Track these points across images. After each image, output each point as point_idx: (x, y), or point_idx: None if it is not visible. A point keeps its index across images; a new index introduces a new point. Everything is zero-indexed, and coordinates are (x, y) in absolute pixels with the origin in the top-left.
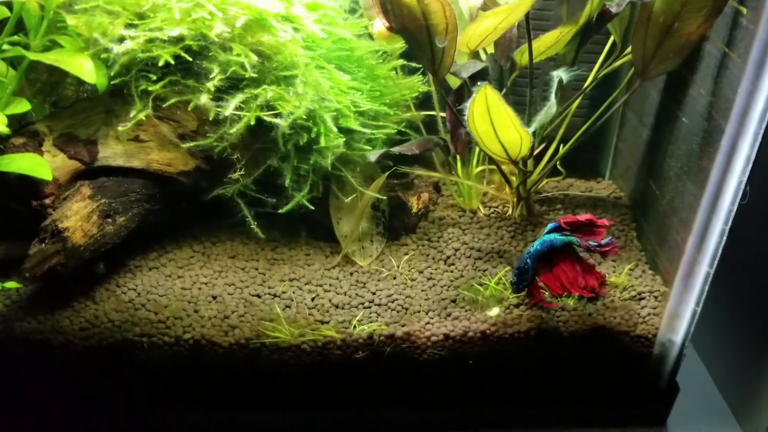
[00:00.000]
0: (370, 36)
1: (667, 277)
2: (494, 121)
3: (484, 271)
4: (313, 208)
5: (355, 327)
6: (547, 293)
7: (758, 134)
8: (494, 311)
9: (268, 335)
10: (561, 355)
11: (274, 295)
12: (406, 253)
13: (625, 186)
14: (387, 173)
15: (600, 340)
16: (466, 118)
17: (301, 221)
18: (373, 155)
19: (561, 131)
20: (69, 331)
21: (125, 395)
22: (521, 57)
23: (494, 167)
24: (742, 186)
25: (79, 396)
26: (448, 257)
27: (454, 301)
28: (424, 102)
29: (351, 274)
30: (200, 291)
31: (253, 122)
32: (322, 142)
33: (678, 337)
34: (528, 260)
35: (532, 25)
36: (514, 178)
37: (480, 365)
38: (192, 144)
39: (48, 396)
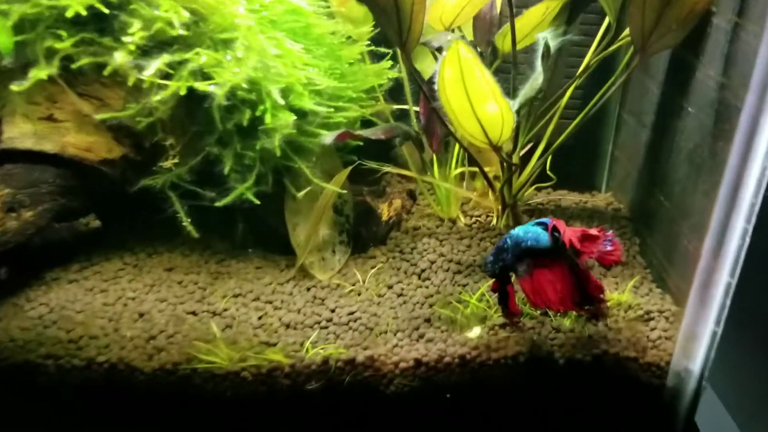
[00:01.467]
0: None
1: (678, 295)
2: (470, 91)
3: (464, 286)
4: (258, 202)
5: (307, 350)
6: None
7: None
8: (475, 332)
9: (201, 359)
10: (556, 386)
11: (214, 313)
12: (374, 267)
13: (624, 197)
14: (350, 167)
15: (602, 368)
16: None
17: (255, 230)
18: (329, 136)
19: (550, 128)
20: None
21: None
22: (503, 41)
23: (475, 169)
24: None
25: None
26: (423, 271)
27: (428, 320)
28: (394, 94)
29: (308, 289)
30: (125, 307)
31: (183, 91)
32: (268, 120)
33: (696, 366)
34: (508, 240)
35: (515, 3)
36: (497, 184)
37: (459, 398)
38: (108, 115)
39: None
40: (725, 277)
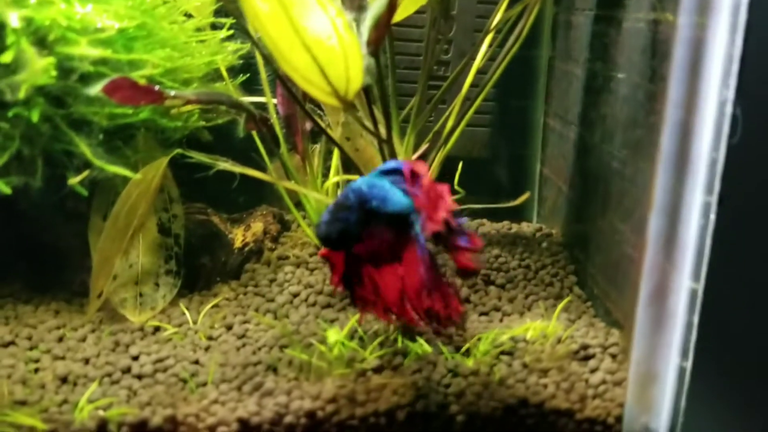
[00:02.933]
0: None
1: (628, 326)
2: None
3: (332, 322)
4: (9, 191)
5: (80, 411)
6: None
7: (736, 26)
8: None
9: None
10: None
11: None
12: (216, 305)
13: (557, 221)
14: (168, 156)
15: (521, 426)
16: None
17: (56, 264)
18: (99, 84)
19: (449, 124)
20: None
21: None
22: None
23: (351, 176)
24: (728, 112)
25: None
26: (281, 306)
27: (272, 368)
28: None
29: (113, 333)
30: None
31: None
32: (5, 58)
33: (660, 423)
34: (351, 195)
35: None
36: None
37: None
38: None
39: None
40: (686, 281)
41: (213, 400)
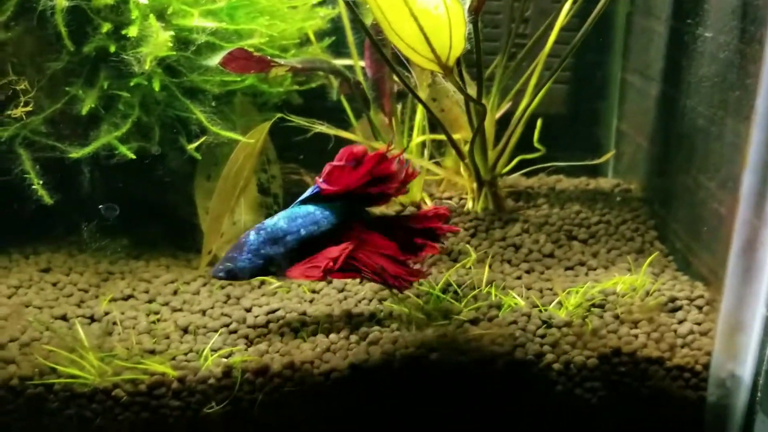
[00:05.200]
0: None
1: (712, 280)
2: None
3: (428, 276)
4: (133, 156)
5: (206, 359)
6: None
7: None
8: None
9: (59, 373)
10: (549, 401)
11: (91, 318)
12: None
13: (634, 177)
14: (270, 121)
15: (613, 373)
16: None
17: (166, 223)
18: (217, 56)
19: (533, 81)
20: None
21: None
22: None
23: (440, 137)
24: None
25: None
26: None
27: (374, 317)
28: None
29: (222, 287)
30: None
31: None
32: (132, 31)
33: (745, 370)
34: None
35: None
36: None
37: (409, 417)
38: None
39: None
40: None
41: (325, 348)
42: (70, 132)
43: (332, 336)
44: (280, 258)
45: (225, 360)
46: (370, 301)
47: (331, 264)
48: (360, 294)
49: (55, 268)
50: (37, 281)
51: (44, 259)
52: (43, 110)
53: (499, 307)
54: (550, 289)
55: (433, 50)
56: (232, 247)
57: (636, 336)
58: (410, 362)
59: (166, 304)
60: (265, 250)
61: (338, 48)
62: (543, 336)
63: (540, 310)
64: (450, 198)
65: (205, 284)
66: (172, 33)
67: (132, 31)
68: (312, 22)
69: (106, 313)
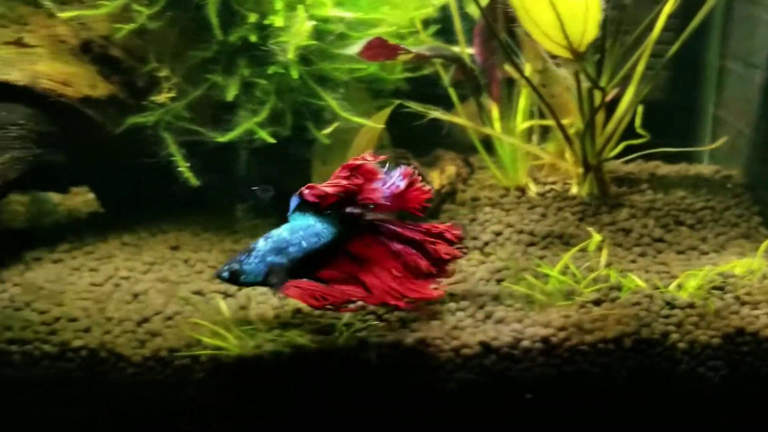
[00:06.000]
0: None
1: None
2: None
3: (541, 258)
4: (274, 141)
5: (341, 333)
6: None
7: None
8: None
9: (205, 345)
10: (676, 381)
11: (225, 294)
12: None
13: (735, 163)
14: (390, 107)
15: (737, 353)
16: None
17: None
18: (357, 45)
19: (640, 66)
20: None
21: None
22: None
23: (548, 122)
24: None
25: None
26: (486, 243)
27: (496, 298)
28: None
29: None
30: (117, 288)
31: None
32: (277, 21)
33: None
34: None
35: None
36: (576, 140)
37: (544, 399)
38: (76, 12)
39: None
40: None
41: (453, 325)
42: (207, 117)
43: (458, 314)
44: (282, 269)
45: (359, 334)
46: (487, 281)
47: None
48: (477, 275)
49: (183, 246)
50: (169, 258)
51: (172, 237)
52: (185, 96)
53: (619, 288)
54: (667, 272)
55: (566, 37)
56: (241, 250)
57: (757, 316)
58: (539, 341)
59: None
60: (270, 259)
61: (447, 36)
62: (667, 316)
63: (661, 292)
64: (554, 183)
65: None
66: (313, 23)
67: (278, 21)
68: (424, 10)
69: (239, 289)
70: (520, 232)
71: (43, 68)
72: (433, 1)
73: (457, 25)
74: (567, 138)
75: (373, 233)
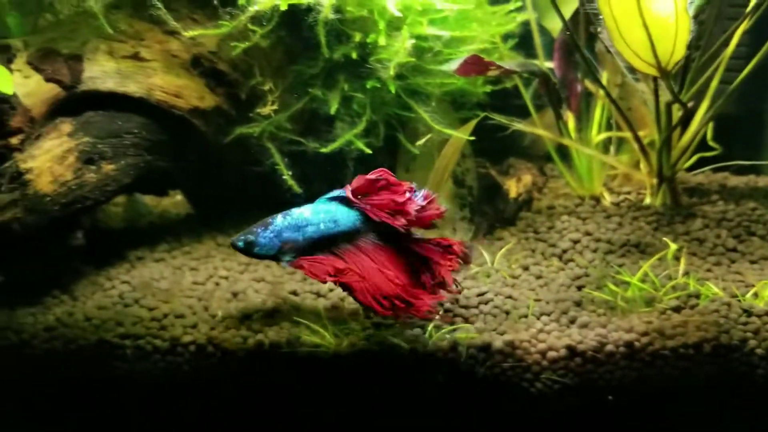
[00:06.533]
0: None
1: None
2: None
3: (620, 266)
4: (370, 151)
5: (430, 334)
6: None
7: None
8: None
9: (303, 341)
10: (753, 387)
11: (317, 294)
12: (503, 247)
13: None
14: (476, 119)
15: None
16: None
17: None
18: (455, 62)
19: (715, 81)
20: (28, 330)
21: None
22: None
23: (624, 134)
24: None
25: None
26: (564, 251)
27: (578, 304)
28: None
29: None
30: (217, 286)
31: (284, 5)
32: (381, 40)
33: None
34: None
35: None
36: (652, 151)
37: (624, 402)
38: (197, 32)
39: None
40: None
41: (539, 329)
42: (302, 128)
43: (543, 318)
44: (296, 245)
45: (448, 336)
46: (568, 287)
47: (332, 273)
48: (557, 281)
49: None
50: None
51: None
52: (286, 108)
53: (697, 296)
54: (741, 281)
55: (655, 56)
56: (258, 223)
57: None
58: (623, 345)
59: None
60: (286, 234)
61: (523, 50)
62: (745, 323)
63: (739, 300)
64: (628, 193)
65: None
66: (412, 41)
67: (381, 40)
68: (508, 26)
69: (331, 290)
70: (598, 240)
71: (158, 81)
72: (516, 17)
73: (536, 39)
74: (643, 149)
75: (387, 238)
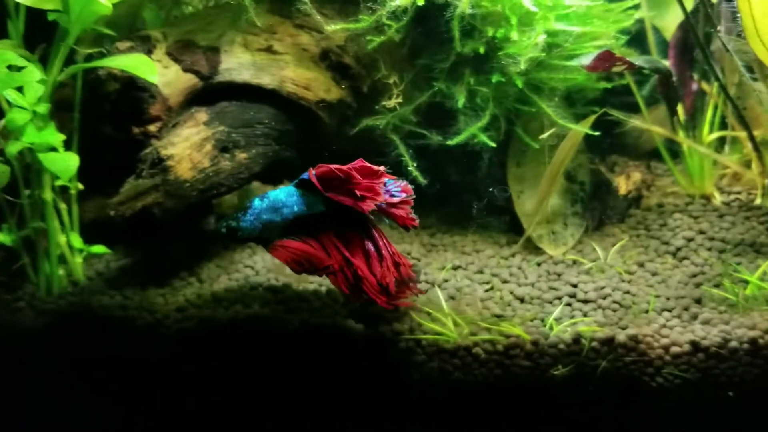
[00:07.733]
0: None
1: None
2: None
3: (738, 265)
4: (494, 145)
5: (551, 327)
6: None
7: None
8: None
9: (425, 331)
10: None
11: (432, 284)
12: (615, 244)
13: None
14: (595, 115)
15: None
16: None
17: (467, 205)
18: (585, 58)
19: None
20: (160, 311)
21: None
22: None
23: (738, 133)
24: None
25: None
26: (678, 249)
27: (698, 301)
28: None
29: (538, 264)
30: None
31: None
32: (513, 35)
33: None
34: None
35: None
36: (766, 155)
37: (745, 398)
38: (341, 26)
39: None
40: None
41: (662, 324)
42: (424, 121)
43: (665, 314)
44: (276, 226)
45: (570, 329)
46: (686, 285)
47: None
48: (674, 278)
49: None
50: None
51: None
52: (410, 102)
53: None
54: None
55: None
56: (239, 208)
57: None
58: (746, 341)
59: (496, 275)
60: (265, 216)
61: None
62: None
63: None
64: (738, 192)
65: (522, 260)
66: (544, 36)
67: (513, 35)
68: (624, 23)
69: (445, 280)
70: (712, 239)
71: (289, 73)
72: (633, 14)
73: (650, 37)
74: (757, 149)
75: (357, 227)
